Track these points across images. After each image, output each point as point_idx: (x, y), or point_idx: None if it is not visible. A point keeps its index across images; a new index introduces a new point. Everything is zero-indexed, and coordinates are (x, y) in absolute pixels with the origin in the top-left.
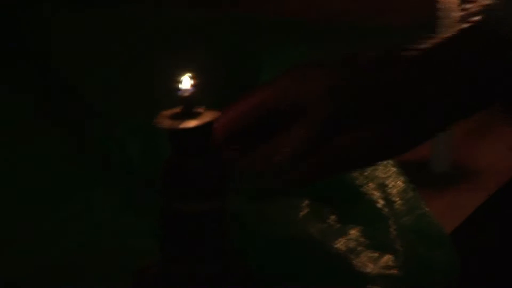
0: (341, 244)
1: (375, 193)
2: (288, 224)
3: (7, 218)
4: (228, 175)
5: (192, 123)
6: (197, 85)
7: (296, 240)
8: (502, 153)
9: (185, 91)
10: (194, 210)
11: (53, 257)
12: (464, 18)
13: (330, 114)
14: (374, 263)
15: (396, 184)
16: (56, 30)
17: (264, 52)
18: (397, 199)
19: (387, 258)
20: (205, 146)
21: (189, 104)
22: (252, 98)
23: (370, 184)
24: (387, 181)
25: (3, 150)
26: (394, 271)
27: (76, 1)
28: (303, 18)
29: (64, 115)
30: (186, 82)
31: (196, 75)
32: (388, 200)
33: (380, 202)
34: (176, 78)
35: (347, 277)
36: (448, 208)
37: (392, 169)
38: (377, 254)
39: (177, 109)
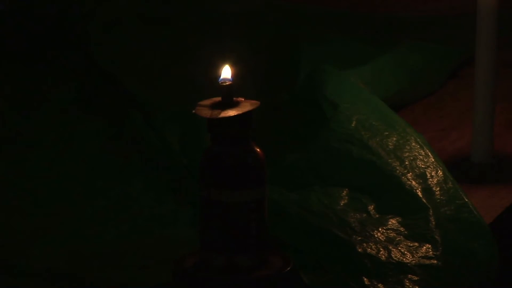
0: (380, 234)
1: (414, 184)
2: (327, 214)
3: (47, 206)
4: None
5: (231, 113)
6: (236, 75)
7: (335, 229)
8: None
9: (225, 81)
10: (233, 200)
11: (92, 245)
12: None
13: None
14: (413, 253)
15: (436, 174)
16: (98, 19)
17: (304, 42)
18: (436, 190)
19: (426, 248)
20: (244, 136)
21: (228, 94)
22: None
23: (409, 175)
24: (426, 171)
25: (46, 138)
26: (433, 261)
27: None
28: (343, 8)
29: (104, 104)
30: (226, 72)
31: (236, 66)
32: (427, 190)
33: (419, 193)
34: (216, 68)
35: (386, 266)
36: (487, 199)
37: (431, 159)
38: (416, 244)
39: (216, 99)
